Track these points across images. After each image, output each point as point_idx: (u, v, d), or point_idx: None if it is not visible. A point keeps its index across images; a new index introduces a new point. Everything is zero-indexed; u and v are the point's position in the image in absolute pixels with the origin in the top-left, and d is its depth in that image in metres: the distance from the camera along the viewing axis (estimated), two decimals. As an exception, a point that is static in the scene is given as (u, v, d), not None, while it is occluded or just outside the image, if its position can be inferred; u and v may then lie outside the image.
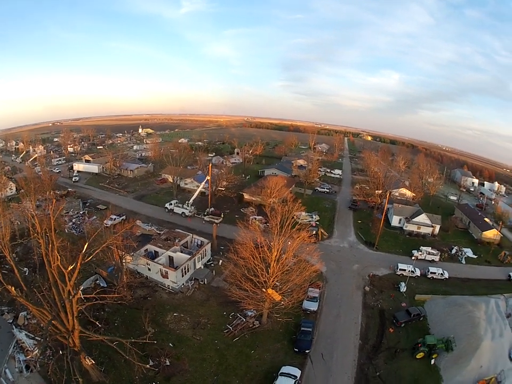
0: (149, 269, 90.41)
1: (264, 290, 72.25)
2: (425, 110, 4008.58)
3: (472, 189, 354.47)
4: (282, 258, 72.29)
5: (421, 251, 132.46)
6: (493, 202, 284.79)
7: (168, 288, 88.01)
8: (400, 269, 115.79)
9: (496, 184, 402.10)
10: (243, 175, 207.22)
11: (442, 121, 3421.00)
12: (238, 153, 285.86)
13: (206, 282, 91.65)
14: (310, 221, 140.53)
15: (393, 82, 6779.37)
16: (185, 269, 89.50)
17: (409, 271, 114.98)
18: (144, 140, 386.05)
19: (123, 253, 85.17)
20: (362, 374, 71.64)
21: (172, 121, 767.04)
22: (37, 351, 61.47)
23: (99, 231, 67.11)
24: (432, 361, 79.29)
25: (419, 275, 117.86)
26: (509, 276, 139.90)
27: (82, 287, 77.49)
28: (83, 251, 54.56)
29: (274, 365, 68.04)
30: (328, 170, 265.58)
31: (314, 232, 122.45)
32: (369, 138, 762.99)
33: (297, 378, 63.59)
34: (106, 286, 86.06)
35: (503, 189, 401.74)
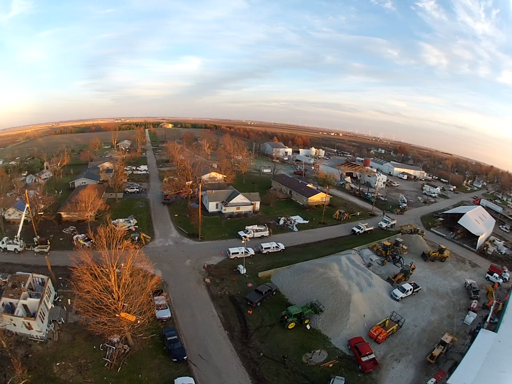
0: (14, 324, 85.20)
1: (118, 315, 73.62)
2: (227, 90, 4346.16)
3: (286, 158, 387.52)
4: (122, 282, 74.32)
5: (247, 231, 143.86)
6: (313, 167, 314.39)
7: (37, 338, 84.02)
8: (232, 253, 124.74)
9: (313, 149, 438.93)
10: (56, 191, 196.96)
11: (246, 97, 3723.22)
12: (47, 168, 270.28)
13: (63, 321, 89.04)
14: (129, 227, 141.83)
15: (194, 67, 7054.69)
16: (41, 314, 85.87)
17: (242, 252, 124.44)
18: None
19: None
20: (247, 359, 79.17)
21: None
22: None
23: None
24: (308, 326, 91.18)
25: (254, 253, 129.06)
26: (353, 230, 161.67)
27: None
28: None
29: (166, 381, 71.53)
30: (134, 168, 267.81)
31: (136, 238, 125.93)
32: (170, 126, 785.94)
33: None
34: None
35: (322, 152, 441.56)
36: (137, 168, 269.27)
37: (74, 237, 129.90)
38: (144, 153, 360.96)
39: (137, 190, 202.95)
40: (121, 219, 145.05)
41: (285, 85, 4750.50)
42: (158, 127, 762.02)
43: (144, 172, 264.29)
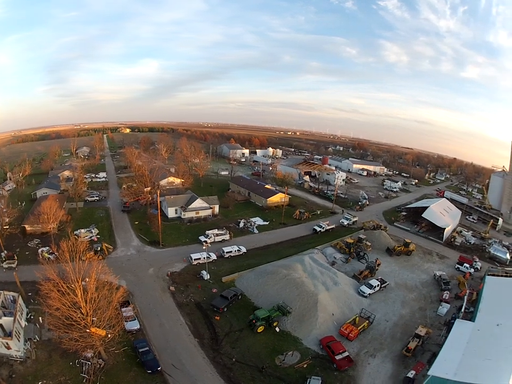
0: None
1: (88, 330, 72.75)
2: (185, 92, 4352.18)
3: (244, 160, 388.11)
4: (88, 296, 73.17)
5: (208, 235, 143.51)
6: (270, 168, 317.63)
7: (17, 358, 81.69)
8: (194, 259, 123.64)
9: (270, 149, 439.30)
10: (19, 203, 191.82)
11: (203, 99, 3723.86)
12: (10, 178, 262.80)
13: (38, 339, 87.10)
14: (91, 237, 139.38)
15: (152, 70, 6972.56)
16: (17, 332, 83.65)
17: (204, 258, 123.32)
18: None
19: None
20: (220, 365, 79.19)
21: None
22: None
23: None
24: (277, 329, 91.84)
25: (216, 258, 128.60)
26: (314, 229, 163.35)
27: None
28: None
29: (145, 395, 72.93)
30: (93, 175, 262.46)
31: (99, 249, 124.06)
32: (128, 130, 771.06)
33: None
34: None
35: (279, 152, 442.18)
36: (96, 175, 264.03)
37: (39, 250, 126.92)
38: (102, 160, 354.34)
39: (97, 198, 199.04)
40: (83, 229, 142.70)
41: (242, 85, 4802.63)
42: (116, 132, 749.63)
43: (103, 179, 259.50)
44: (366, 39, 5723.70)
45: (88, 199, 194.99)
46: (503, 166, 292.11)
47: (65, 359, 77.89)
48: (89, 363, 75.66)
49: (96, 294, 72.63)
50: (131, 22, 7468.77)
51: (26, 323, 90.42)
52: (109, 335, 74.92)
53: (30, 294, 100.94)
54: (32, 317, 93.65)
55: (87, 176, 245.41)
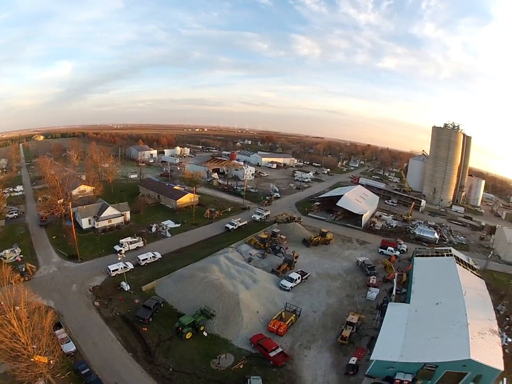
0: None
1: (32, 359, 70.38)
2: (95, 93, 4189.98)
3: (152, 161, 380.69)
4: (23, 325, 70.58)
5: (122, 245, 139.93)
6: (178, 167, 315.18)
7: None
8: (112, 271, 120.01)
9: (178, 148, 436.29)
10: None
11: (113, 100, 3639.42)
12: None
13: None
14: (15, 257, 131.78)
15: (65, 72, 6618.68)
16: None
17: (121, 268, 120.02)
18: None
19: None
20: (160, 377, 78.70)
21: None
22: None
23: None
24: (205, 333, 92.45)
25: (133, 267, 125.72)
26: (226, 227, 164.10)
27: None
28: None
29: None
30: (11, 189, 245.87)
31: (23, 270, 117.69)
32: (42, 138, 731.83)
33: None
34: None
35: (187, 150, 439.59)
36: (14, 189, 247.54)
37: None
38: (19, 172, 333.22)
39: (16, 214, 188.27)
40: (7, 250, 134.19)
41: (152, 84, 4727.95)
42: (31, 140, 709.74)
43: (20, 192, 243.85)
44: (278, 33, 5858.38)
45: (9, 216, 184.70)
46: (423, 150, 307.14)
47: (22, 390, 76.45)
48: None
49: (29, 322, 70.85)
50: (52, 22, 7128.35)
51: None
52: (51, 361, 72.91)
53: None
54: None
55: (5, 191, 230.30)
